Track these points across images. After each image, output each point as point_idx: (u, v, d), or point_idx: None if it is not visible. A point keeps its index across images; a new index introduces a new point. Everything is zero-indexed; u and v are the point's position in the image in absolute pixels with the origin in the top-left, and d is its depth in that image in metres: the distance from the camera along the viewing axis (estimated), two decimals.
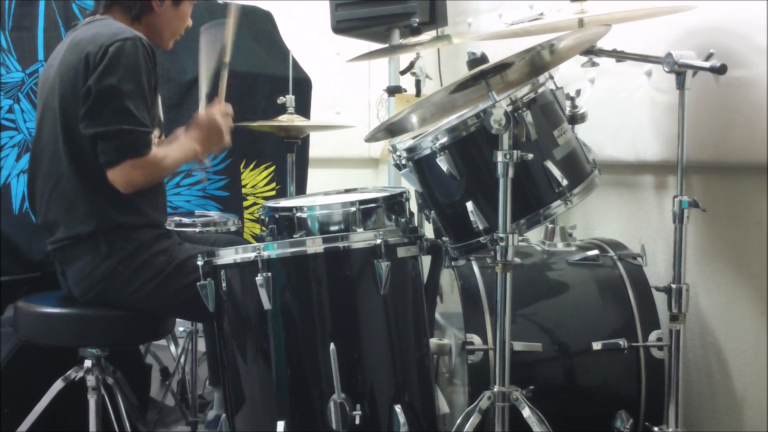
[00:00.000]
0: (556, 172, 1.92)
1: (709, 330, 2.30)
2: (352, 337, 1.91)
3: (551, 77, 2.04)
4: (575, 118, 2.33)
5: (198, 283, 1.94)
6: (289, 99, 2.84)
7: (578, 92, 2.36)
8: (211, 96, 2.32)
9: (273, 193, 3.40)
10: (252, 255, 1.87)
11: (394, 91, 3.18)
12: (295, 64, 3.08)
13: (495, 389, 1.87)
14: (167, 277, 2.10)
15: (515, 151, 1.80)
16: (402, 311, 1.98)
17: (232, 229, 2.81)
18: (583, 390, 2.17)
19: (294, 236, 2.05)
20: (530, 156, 1.83)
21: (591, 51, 2.16)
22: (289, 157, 2.96)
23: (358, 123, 3.32)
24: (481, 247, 1.97)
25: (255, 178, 3.38)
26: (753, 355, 2.15)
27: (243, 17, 3.47)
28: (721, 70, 1.82)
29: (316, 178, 3.62)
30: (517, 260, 2.01)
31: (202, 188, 3.22)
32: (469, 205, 1.94)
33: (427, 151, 1.98)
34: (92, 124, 2.01)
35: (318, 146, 3.63)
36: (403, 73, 3.11)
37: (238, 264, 1.92)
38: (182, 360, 2.96)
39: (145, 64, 2.04)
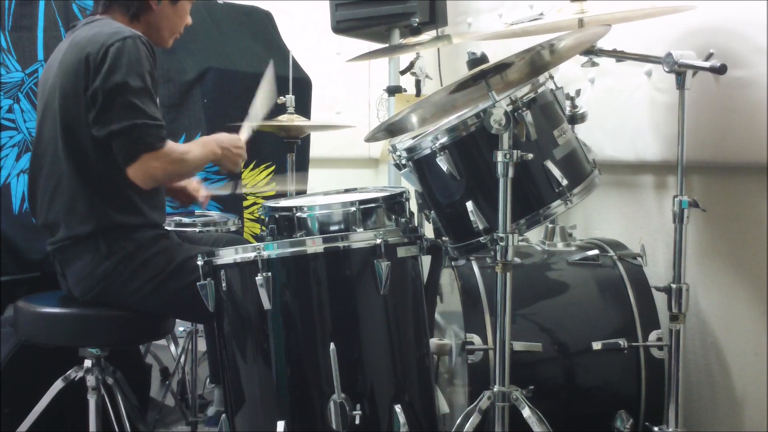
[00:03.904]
0: (556, 172, 1.92)
1: (709, 330, 2.30)
2: (352, 337, 1.91)
3: (551, 77, 2.04)
4: (575, 118, 2.33)
5: (198, 283, 1.94)
6: (289, 99, 2.84)
7: (578, 92, 2.36)
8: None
9: (273, 193, 3.40)
10: (252, 255, 1.87)
11: (394, 91, 3.18)
12: (295, 64, 3.08)
13: (495, 389, 1.87)
14: (167, 277, 2.10)
15: (515, 151, 1.80)
16: (402, 311, 1.98)
17: (232, 229, 2.81)
18: (583, 390, 2.17)
19: (294, 236, 2.05)
20: (530, 156, 1.83)
21: (591, 51, 2.16)
22: (289, 157, 2.96)
23: (358, 123, 3.31)
24: (481, 247, 1.97)
25: (255, 178, 3.38)
26: (753, 355, 2.15)
27: (243, 17, 3.49)
28: (721, 70, 1.82)
29: (316, 178, 3.62)
30: (517, 260, 2.01)
31: None
32: (469, 205, 1.94)
33: (427, 151, 1.98)
34: (104, 125, 2.02)
35: (318, 146, 3.63)
36: (403, 73, 3.11)
37: (238, 264, 1.92)
38: (182, 360, 2.96)
39: (147, 61, 2.05)
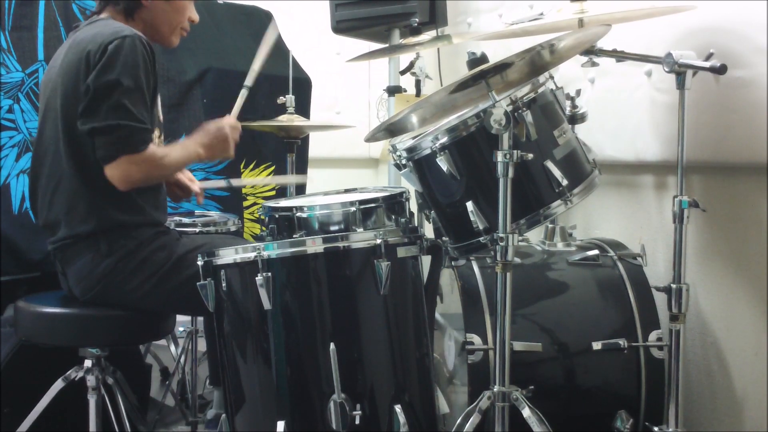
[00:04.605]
0: (556, 172, 1.92)
1: (709, 330, 2.30)
2: (352, 337, 1.91)
3: (551, 77, 2.04)
4: (575, 118, 2.33)
5: (198, 283, 1.94)
6: (289, 99, 2.84)
7: (578, 92, 2.36)
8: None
9: (273, 193, 3.40)
10: (252, 255, 1.87)
11: (394, 91, 3.18)
12: (295, 64, 3.08)
13: (495, 389, 1.87)
14: (167, 272, 2.10)
15: (515, 151, 1.80)
16: (402, 311, 1.98)
17: (232, 229, 2.81)
18: (583, 390, 2.17)
19: (294, 236, 2.05)
20: (530, 156, 1.83)
21: (591, 51, 2.16)
22: (289, 157, 2.96)
23: (358, 123, 3.32)
24: (481, 247, 1.97)
25: (255, 179, 3.38)
26: (753, 355, 2.15)
27: (243, 17, 3.49)
28: (721, 70, 1.82)
29: (316, 178, 3.62)
30: (517, 260, 2.01)
31: None
32: (469, 205, 1.94)
33: (427, 151, 1.98)
34: (89, 119, 2.01)
35: (318, 146, 3.63)
36: (403, 73, 3.11)
37: (238, 264, 1.92)
38: (182, 360, 2.96)
39: (143, 62, 2.04)
